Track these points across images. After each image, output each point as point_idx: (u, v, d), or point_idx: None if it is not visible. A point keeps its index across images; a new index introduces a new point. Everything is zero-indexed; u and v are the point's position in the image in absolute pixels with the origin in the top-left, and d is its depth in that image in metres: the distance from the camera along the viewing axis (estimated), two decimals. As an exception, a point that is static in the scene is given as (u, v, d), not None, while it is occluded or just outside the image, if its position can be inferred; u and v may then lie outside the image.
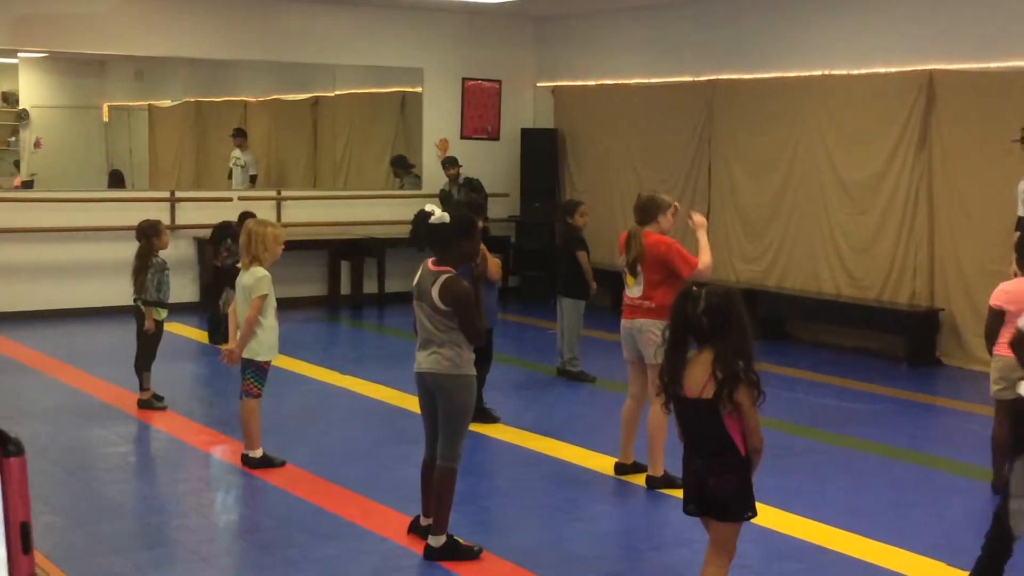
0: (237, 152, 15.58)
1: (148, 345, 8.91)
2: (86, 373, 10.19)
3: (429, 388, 5.84)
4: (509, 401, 9.21)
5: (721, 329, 4.41)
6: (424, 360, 5.80)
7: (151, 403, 8.90)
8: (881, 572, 5.80)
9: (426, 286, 5.70)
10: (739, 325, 4.42)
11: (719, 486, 4.49)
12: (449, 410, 5.78)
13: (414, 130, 15.48)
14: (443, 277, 5.65)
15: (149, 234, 8.89)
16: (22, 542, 1.36)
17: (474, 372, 5.85)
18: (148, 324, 8.82)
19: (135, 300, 8.93)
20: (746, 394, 4.40)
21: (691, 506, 4.65)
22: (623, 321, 7.15)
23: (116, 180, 15.33)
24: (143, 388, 8.94)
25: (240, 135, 15.71)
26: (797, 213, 12.55)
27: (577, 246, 10.35)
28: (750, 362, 4.42)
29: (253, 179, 15.61)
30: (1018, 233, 7.62)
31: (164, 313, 8.94)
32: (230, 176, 15.37)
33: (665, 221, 7.11)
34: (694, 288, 4.56)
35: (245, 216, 11.05)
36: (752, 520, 4.66)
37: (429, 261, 5.80)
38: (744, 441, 4.47)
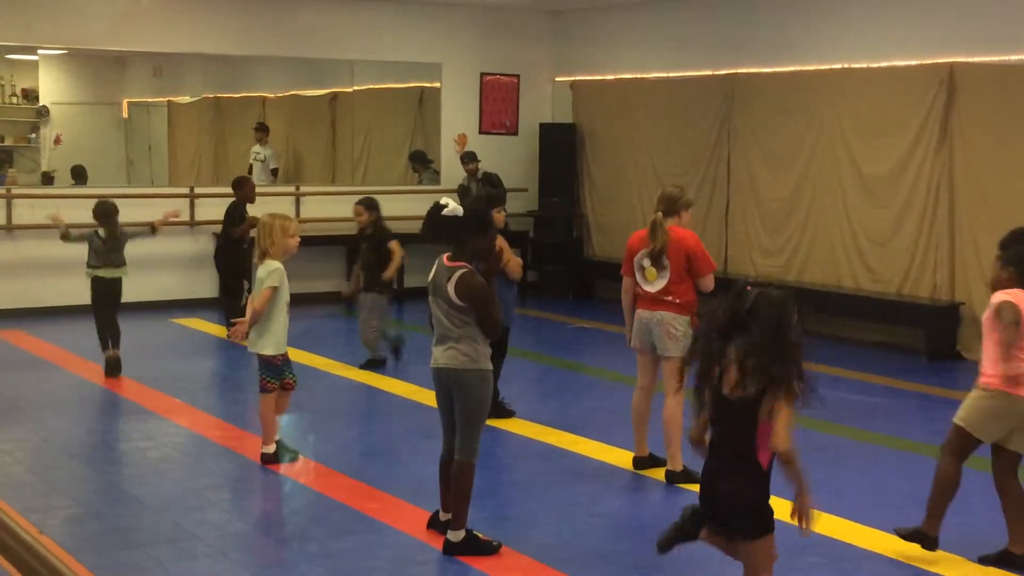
0: (257, 147, 15.58)
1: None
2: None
3: (446, 383, 5.84)
4: (526, 396, 9.21)
5: (766, 336, 4.25)
6: (441, 355, 5.80)
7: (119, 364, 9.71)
8: (900, 566, 5.79)
9: (441, 282, 5.70)
10: (781, 335, 4.26)
11: (732, 493, 4.31)
12: (466, 405, 5.78)
13: (432, 125, 15.48)
14: (458, 272, 5.65)
15: (114, 213, 9.84)
16: None
17: (491, 367, 5.85)
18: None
19: (99, 269, 9.78)
20: (784, 398, 4.24)
21: (697, 507, 4.44)
22: (640, 311, 7.13)
23: (80, 177, 15.29)
24: (117, 347, 9.77)
25: (262, 129, 15.71)
26: (816, 207, 12.51)
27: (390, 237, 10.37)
28: (792, 367, 4.26)
29: (275, 172, 15.60)
30: None
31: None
32: (250, 171, 15.35)
33: (686, 217, 7.16)
34: (748, 287, 4.41)
35: (240, 181, 11.85)
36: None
37: (444, 257, 5.80)
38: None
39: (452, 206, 5.72)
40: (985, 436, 5.84)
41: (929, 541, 5.84)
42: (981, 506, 6.77)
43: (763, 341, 4.26)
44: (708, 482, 4.44)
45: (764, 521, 4.37)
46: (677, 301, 6.97)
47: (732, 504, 4.33)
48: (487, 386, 5.82)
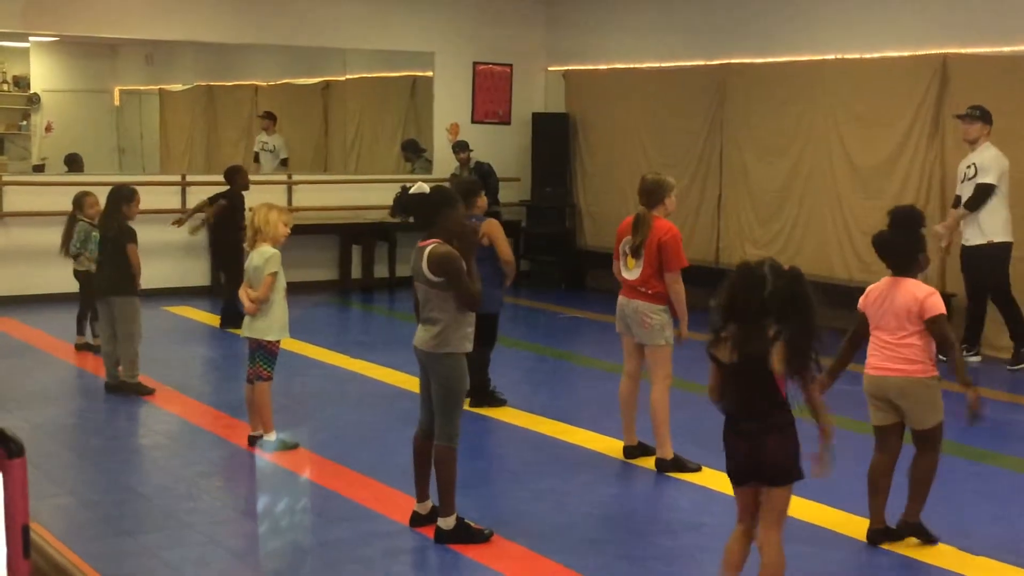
0: (264, 136, 15.46)
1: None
2: (97, 356, 10.21)
3: (423, 363, 5.90)
4: (518, 385, 9.22)
5: (791, 312, 4.62)
6: (418, 336, 5.89)
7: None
8: (891, 556, 5.80)
9: (418, 262, 5.76)
10: (806, 306, 4.68)
11: (778, 447, 4.60)
12: (440, 388, 5.81)
13: (425, 114, 15.47)
14: (429, 247, 5.71)
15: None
16: (23, 545, 1.32)
17: (465, 350, 5.82)
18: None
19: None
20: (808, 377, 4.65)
21: (742, 475, 4.71)
22: (621, 298, 7.20)
23: (75, 165, 14.48)
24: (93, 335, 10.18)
25: (269, 117, 15.55)
26: (808, 197, 12.52)
27: (129, 238, 8.93)
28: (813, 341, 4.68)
29: (284, 162, 15.46)
30: None
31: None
32: (257, 159, 15.24)
33: (671, 203, 7.18)
34: (754, 264, 4.69)
35: (232, 169, 11.73)
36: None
37: (420, 241, 5.86)
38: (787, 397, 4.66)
39: (418, 185, 5.84)
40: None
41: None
42: (968, 495, 6.80)
43: (795, 320, 4.68)
44: (751, 448, 4.65)
45: (798, 460, 4.73)
46: (649, 292, 7.02)
47: (778, 456, 4.64)
48: (460, 370, 5.82)
